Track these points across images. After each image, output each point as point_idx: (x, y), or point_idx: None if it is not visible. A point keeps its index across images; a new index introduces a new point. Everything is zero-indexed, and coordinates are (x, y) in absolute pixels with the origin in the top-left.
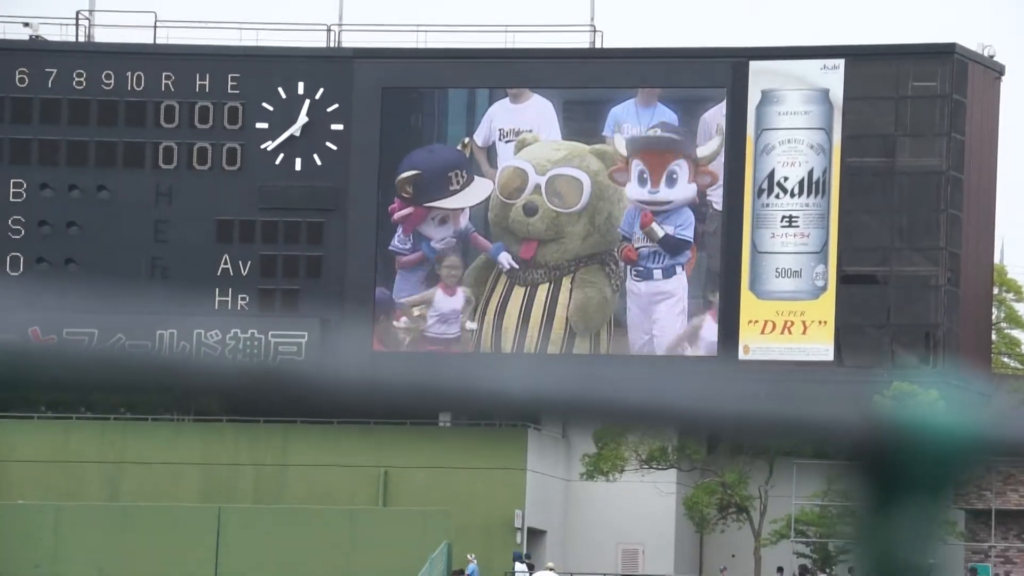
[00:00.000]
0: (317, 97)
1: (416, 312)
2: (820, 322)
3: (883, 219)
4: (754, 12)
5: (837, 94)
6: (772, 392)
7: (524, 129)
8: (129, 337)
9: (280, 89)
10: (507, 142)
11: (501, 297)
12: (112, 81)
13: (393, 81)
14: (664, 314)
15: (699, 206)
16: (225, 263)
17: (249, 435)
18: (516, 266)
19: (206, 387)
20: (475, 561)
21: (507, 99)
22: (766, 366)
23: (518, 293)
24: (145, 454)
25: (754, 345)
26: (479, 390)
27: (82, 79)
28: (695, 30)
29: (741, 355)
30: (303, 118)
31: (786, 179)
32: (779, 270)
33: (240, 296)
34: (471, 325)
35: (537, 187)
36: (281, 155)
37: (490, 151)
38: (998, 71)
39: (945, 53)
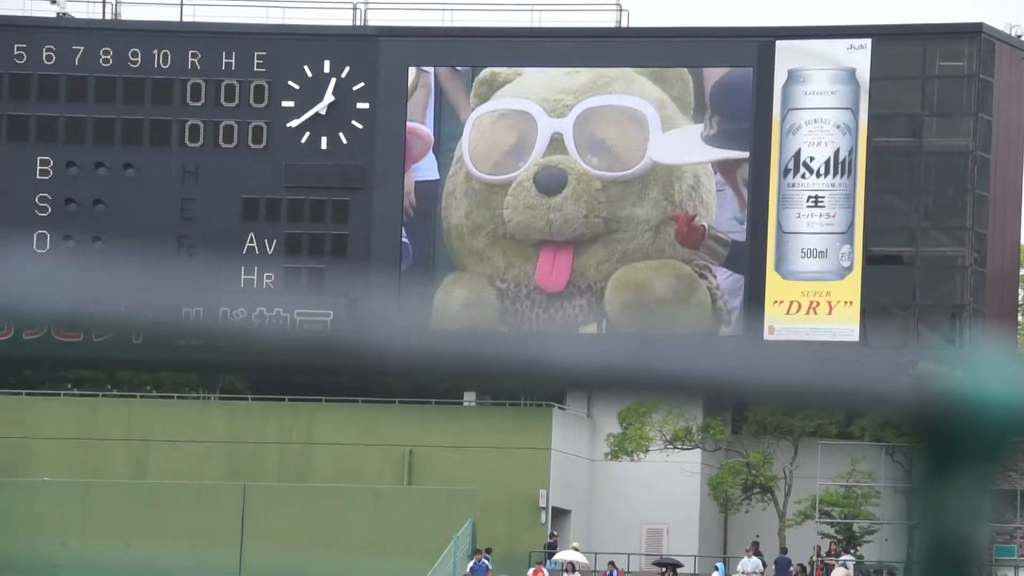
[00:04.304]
0: (343, 76)
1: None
2: (846, 302)
3: (909, 199)
4: None
5: (864, 74)
6: (823, 367)
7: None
8: (155, 315)
9: (306, 67)
10: (460, 82)
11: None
12: (139, 59)
13: (419, 59)
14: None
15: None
16: (251, 241)
17: (275, 413)
18: (528, 309)
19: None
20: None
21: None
22: (791, 346)
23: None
24: (171, 432)
25: (779, 325)
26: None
27: (109, 57)
28: (721, 9)
29: (766, 335)
30: (329, 96)
31: (812, 159)
32: (805, 250)
33: (266, 274)
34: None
35: (556, 139)
36: (307, 133)
37: (439, 99)
38: None
39: (972, 33)
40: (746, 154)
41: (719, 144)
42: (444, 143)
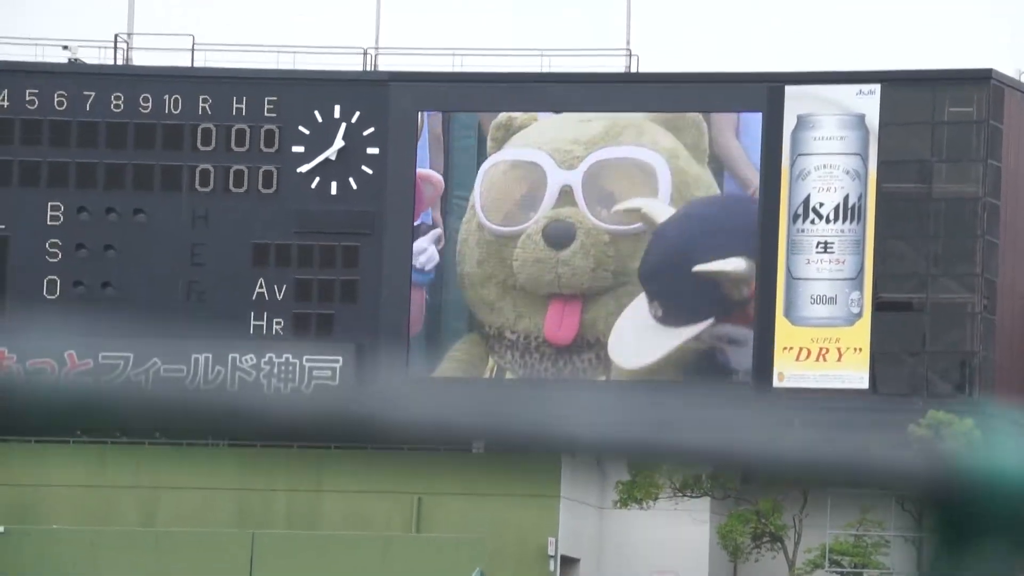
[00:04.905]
0: (353, 121)
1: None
2: (855, 349)
3: (919, 245)
4: (790, 37)
5: (873, 119)
6: (834, 445)
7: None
8: (164, 361)
9: (316, 112)
10: (467, 136)
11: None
12: (150, 104)
13: (429, 104)
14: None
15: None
16: (260, 287)
17: (284, 460)
18: (537, 362)
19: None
20: None
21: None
22: (800, 393)
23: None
24: (180, 479)
25: (788, 372)
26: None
27: (120, 102)
28: (731, 54)
29: (775, 382)
30: (339, 142)
31: (821, 205)
32: (814, 296)
33: (275, 320)
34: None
35: (566, 191)
36: (317, 178)
37: (452, 148)
38: None
39: (982, 79)
40: (708, 322)
41: (673, 323)
42: (453, 190)
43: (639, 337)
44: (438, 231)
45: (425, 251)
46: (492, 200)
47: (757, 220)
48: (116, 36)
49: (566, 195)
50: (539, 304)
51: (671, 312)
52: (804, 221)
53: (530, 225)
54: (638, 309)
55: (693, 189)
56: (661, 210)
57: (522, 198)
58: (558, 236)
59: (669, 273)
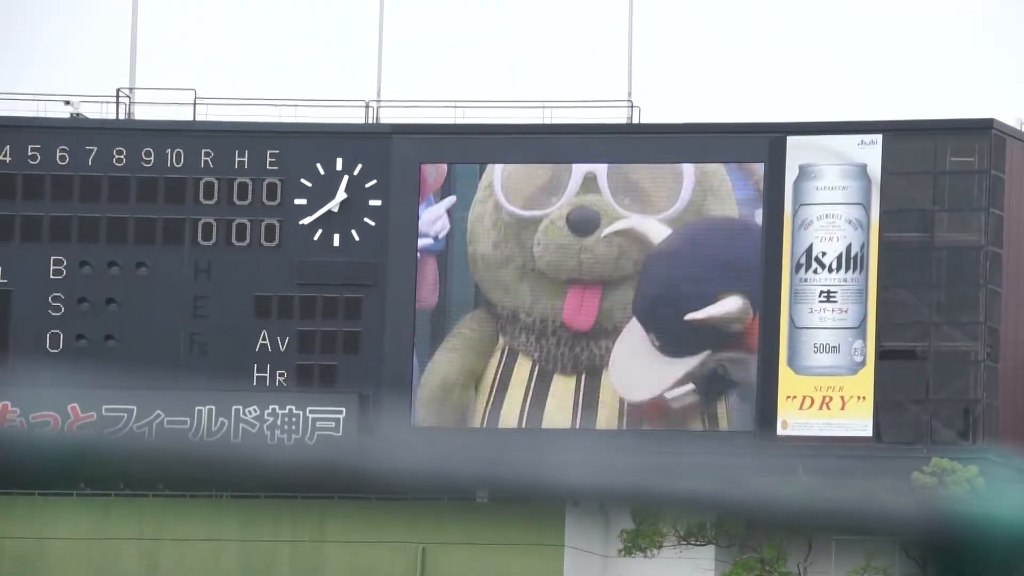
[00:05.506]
0: (355, 173)
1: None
2: (859, 397)
3: (921, 294)
4: (791, 88)
5: (875, 169)
6: (832, 491)
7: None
8: (168, 413)
9: (319, 165)
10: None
11: (529, 390)
12: (152, 158)
13: (431, 156)
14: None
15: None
16: (263, 339)
17: (287, 511)
18: (554, 346)
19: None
20: None
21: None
22: (804, 442)
23: (562, 385)
24: (184, 531)
25: (792, 420)
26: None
27: (122, 156)
28: (733, 105)
29: (779, 430)
30: (341, 194)
31: (824, 254)
32: (817, 345)
33: (278, 372)
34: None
35: (590, 178)
36: (319, 231)
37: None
38: None
39: (983, 128)
40: (706, 352)
41: (672, 353)
42: (457, 178)
43: (641, 366)
44: (452, 198)
45: (440, 218)
46: (514, 184)
47: (750, 244)
48: (118, 90)
49: (590, 182)
50: (558, 289)
51: (668, 344)
52: (807, 270)
53: (553, 211)
54: (635, 334)
55: (712, 181)
56: (654, 229)
57: (545, 183)
58: (583, 223)
59: (662, 312)
